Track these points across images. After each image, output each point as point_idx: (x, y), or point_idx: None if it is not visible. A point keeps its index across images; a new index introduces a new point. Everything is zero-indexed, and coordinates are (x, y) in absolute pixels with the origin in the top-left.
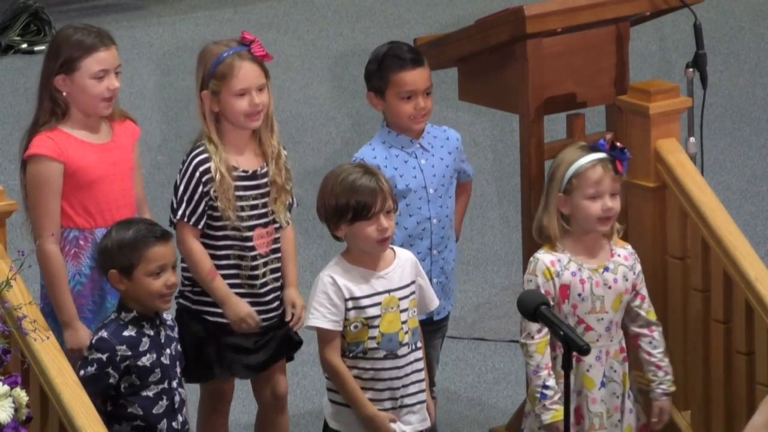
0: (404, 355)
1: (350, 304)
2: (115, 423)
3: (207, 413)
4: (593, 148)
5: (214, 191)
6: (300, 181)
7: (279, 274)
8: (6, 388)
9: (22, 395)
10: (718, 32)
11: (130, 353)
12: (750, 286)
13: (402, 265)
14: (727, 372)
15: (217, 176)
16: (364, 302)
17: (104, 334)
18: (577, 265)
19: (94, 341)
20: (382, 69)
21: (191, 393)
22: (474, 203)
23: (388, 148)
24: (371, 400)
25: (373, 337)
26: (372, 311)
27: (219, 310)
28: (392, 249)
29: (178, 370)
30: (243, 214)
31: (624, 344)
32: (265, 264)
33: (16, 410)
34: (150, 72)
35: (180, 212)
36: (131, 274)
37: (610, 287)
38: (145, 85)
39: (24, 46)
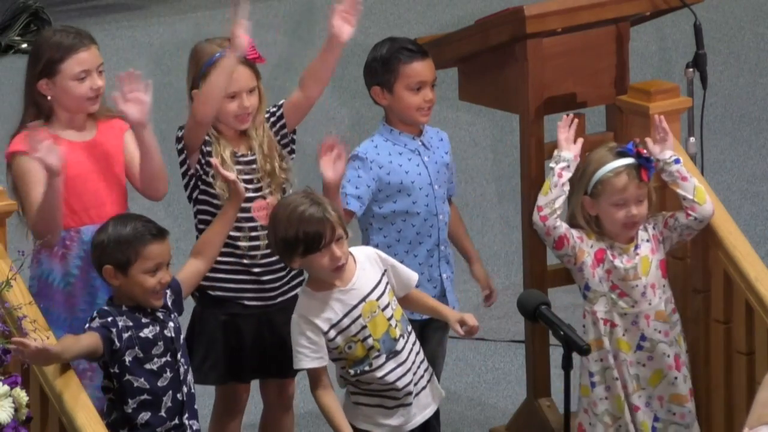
0: (402, 348)
1: (332, 332)
2: (122, 404)
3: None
4: (621, 153)
5: (212, 176)
6: (300, 181)
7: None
8: (6, 388)
9: (22, 395)
10: (718, 32)
11: (131, 324)
12: (750, 286)
13: (364, 267)
14: (727, 372)
15: (219, 160)
16: (345, 322)
17: (105, 306)
18: (609, 242)
19: (94, 313)
20: (390, 62)
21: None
22: (474, 203)
23: (392, 145)
24: (392, 398)
25: (371, 347)
26: (356, 326)
27: (246, 295)
28: (351, 254)
29: (182, 342)
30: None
31: (673, 305)
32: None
33: (16, 410)
34: (150, 72)
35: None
36: (127, 270)
37: (638, 254)
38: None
39: (24, 46)
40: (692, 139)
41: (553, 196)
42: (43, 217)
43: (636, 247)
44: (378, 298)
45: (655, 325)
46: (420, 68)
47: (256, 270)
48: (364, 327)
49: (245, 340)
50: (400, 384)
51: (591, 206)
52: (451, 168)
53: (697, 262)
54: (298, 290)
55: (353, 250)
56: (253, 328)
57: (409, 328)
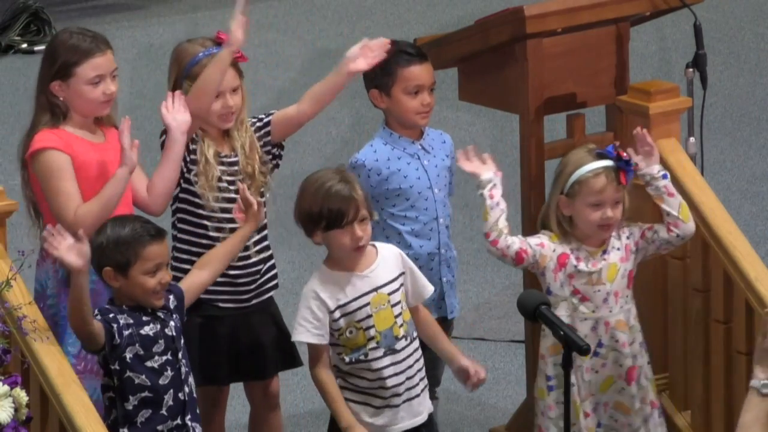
0: (403, 349)
1: (337, 313)
2: (124, 402)
3: (202, 416)
4: (600, 154)
5: (195, 174)
6: (300, 181)
7: (265, 244)
8: (6, 388)
9: (22, 395)
10: (718, 32)
11: (132, 321)
12: (750, 286)
13: (385, 261)
14: (727, 372)
15: (202, 159)
16: (352, 306)
17: (105, 305)
18: (577, 244)
19: (95, 311)
20: (388, 65)
21: None
22: (474, 203)
23: (391, 149)
24: (380, 397)
25: (372, 338)
26: (361, 313)
27: (220, 297)
28: (374, 246)
29: (182, 342)
30: (221, 194)
31: (636, 318)
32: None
33: (16, 410)
34: (150, 72)
35: None
36: (127, 272)
37: (605, 259)
38: (144, 84)
39: (24, 46)
40: (692, 139)
41: (494, 217)
42: (105, 212)
43: (604, 252)
44: (390, 293)
45: (613, 333)
46: (418, 72)
47: (232, 272)
48: (369, 316)
49: (221, 343)
50: (389, 383)
51: (566, 206)
52: (453, 170)
53: (697, 262)
54: (272, 293)
55: (379, 245)
56: (228, 330)
57: (415, 334)
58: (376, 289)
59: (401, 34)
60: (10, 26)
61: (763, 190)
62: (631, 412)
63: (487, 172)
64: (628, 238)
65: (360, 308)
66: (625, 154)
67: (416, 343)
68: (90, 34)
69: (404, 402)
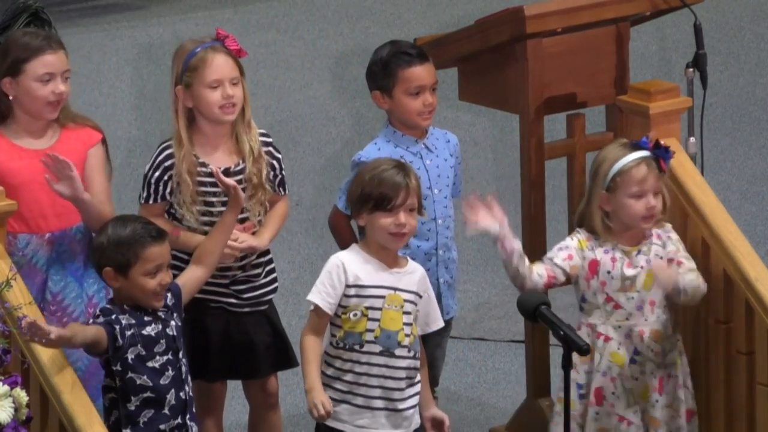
0: (401, 357)
1: (353, 291)
2: (126, 402)
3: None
4: (636, 146)
5: (172, 193)
6: (300, 181)
7: (257, 271)
8: (6, 388)
9: (22, 395)
10: (718, 32)
11: (134, 321)
12: (750, 286)
13: (412, 273)
14: (727, 372)
15: (177, 179)
16: (369, 291)
17: (107, 305)
18: (611, 244)
19: (97, 311)
20: (389, 66)
21: None
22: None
23: (394, 147)
24: (362, 396)
25: (371, 330)
26: (374, 302)
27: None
28: (407, 258)
29: (182, 341)
30: (213, 209)
31: (672, 328)
32: (241, 259)
33: (16, 410)
34: (150, 72)
35: (143, 196)
36: (127, 272)
37: (642, 267)
38: (144, 85)
39: None
40: (692, 139)
41: (514, 266)
42: None
43: (639, 252)
44: (405, 300)
45: (649, 342)
46: (419, 73)
47: (223, 281)
48: (379, 309)
49: (210, 339)
50: (374, 382)
51: (606, 202)
52: (456, 170)
53: (697, 262)
54: (265, 307)
55: (411, 261)
56: (220, 327)
57: (419, 354)
58: (395, 289)
59: (401, 34)
60: (10, 26)
61: (763, 190)
62: (660, 425)
63: (493, 226)
64: (667, 249)
65: (375, 297)
66: (662, 142)
67: (417, 363)
68: (43, 34)
69: (387, 410)
